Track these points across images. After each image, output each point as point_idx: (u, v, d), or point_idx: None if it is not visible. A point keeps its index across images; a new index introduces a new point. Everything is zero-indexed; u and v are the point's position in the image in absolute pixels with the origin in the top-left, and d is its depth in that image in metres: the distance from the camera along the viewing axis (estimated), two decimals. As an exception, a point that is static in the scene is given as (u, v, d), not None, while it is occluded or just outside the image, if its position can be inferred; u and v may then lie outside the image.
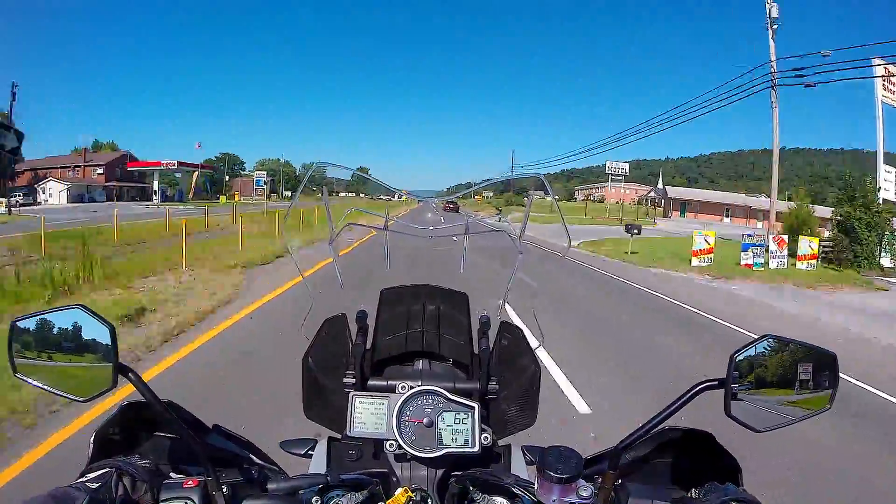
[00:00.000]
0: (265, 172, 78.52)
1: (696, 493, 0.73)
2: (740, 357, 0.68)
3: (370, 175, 0.85)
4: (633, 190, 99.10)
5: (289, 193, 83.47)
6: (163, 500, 0.66)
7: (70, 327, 0.71)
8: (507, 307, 1.01)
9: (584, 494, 0.69)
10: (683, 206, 54.86)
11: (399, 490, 0.77)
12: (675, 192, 60.87)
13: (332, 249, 0.85)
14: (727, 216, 54.24)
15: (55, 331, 0.71)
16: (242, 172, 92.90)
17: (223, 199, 54.85)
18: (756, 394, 0.69)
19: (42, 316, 0.71)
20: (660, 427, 0.79)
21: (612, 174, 56.35)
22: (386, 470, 0.83)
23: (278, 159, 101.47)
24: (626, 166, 58.65)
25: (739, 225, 47.35)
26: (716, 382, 0.68)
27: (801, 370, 0.71)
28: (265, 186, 73.41)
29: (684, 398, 0.67)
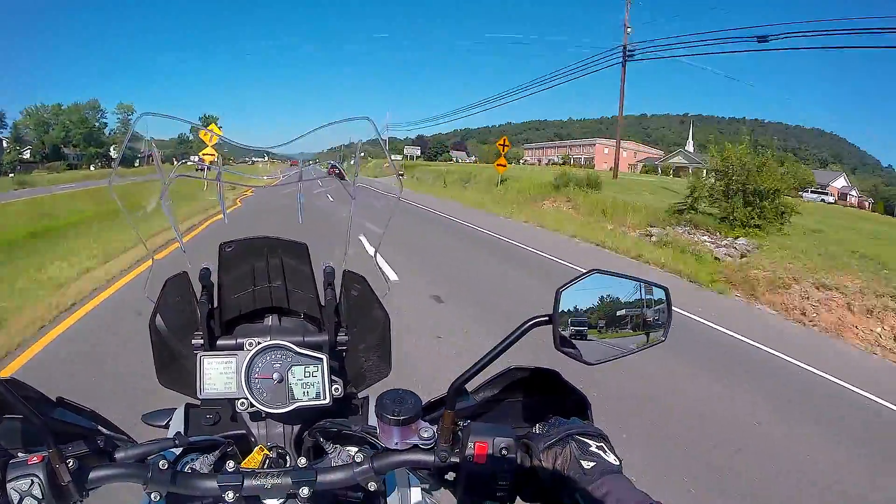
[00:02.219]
0: None
1: (540, 428, 0.75)
2: (567, 291, 0.69)
3: (224, 135, 0.81)
4: (631, 151, 70.00)
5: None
6: (9, 481, 0.63)
7: None
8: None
9: (426, 436, 0.69)
10: None
11: (255, 448, 0.76)
12: None
13: (164, 203, 0.82)
14: None
15: None
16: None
17: None
18: (586, 328, 0.71)
19: None
20: (506, 368, 0.81)
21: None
22: (244, 431, 0.82)
23: (58, 105, 63.06)
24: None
25: None
26: (545, 318, 0.69)
27: (631, 303, 0.73)
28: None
29: (514, 335, 0.68)
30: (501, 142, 21.93)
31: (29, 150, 57.80)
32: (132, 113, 70.54)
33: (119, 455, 0.72)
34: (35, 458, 0.66)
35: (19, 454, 0.71)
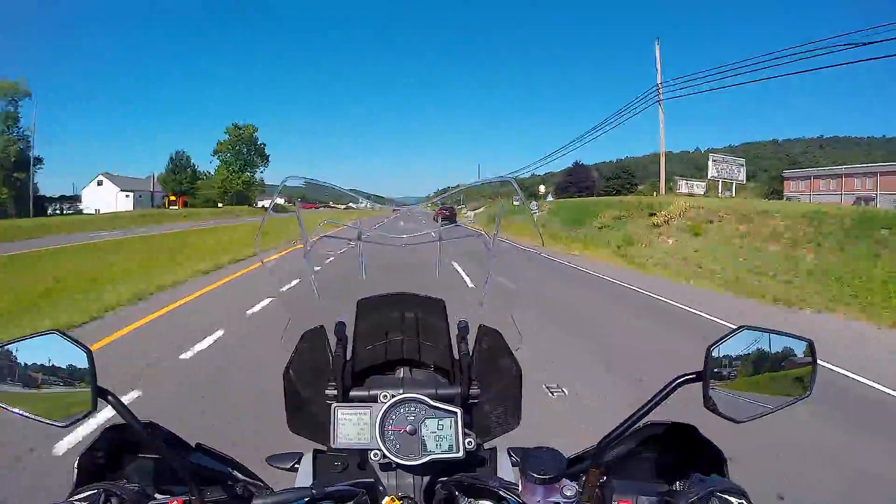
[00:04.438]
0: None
1: (681, 485, 0.73)
2: (717, 349, 0.68)
3: (342, 187, 0.82)
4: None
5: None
6: None
7: (47, 353, 0.71)
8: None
9: (569, 494, 0.69)
10: None
11: (386, 499, 0.77)
12: None
13: (307, 262, 0.85)
14: None
15: (32, 357, 0.71)
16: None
17: None
18: (734, 384, 0.70)
19: (17, 343, 0.71)
20: (642, 422, 0.79)
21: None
22: (372, 479, 0.83)
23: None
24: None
25: None
26: (693, 375, 0.68)
27: (778, 358, 0.72)
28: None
29: (662, 393, 0.68)
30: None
31: None
32: (20, 95, 41.42)
33: (256, 502, 0.74)
34: (176, 502, 0.68)
35: (157, 496, 0.73)
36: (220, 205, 62.06)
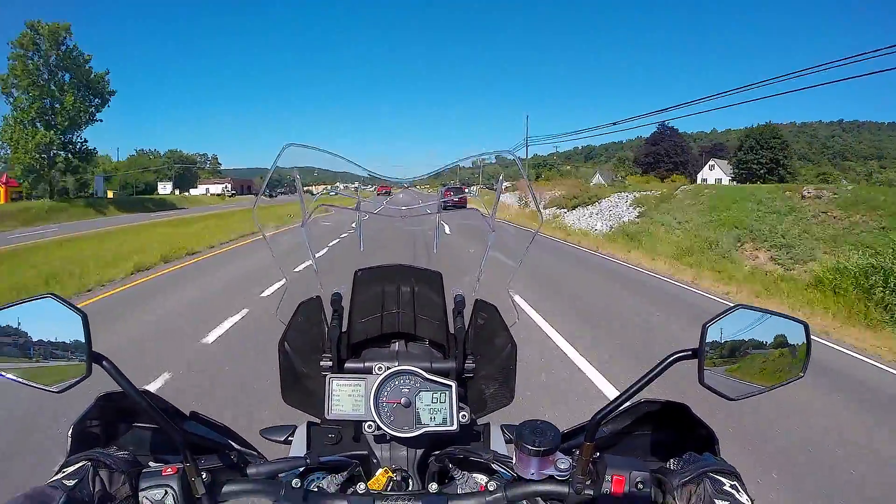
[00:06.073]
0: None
1: (674, 463, 0.74)
2: (712, 327, 0.69)
3: (344, 157, 0.81)
4: None
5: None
6: (142, 490, 0.65)
7: (41, 317, 0.70)
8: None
9: (562, 467, 0.69)
10: None
11: (380, 470, 0.78)
12: None
13: (305, 232, 0.85)
14: None
15: (25, 321, 0.70)
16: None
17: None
18: (729, 363, 0.70)
19: (10, 307, 0.70)
20: (636, 399, 0.80)
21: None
22: (366, 451, 0.83)
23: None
24: None
25: None
26: (689, 353, 0.68)
27: (773, 339, 0.72)
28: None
29: (657, 369, 0.68)
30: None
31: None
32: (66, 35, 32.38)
33: (251, 471, 0.74)
34: (170, 470, 0.68)
35: (151, 464, 0.73)
36: (110, 193, 37.69)
